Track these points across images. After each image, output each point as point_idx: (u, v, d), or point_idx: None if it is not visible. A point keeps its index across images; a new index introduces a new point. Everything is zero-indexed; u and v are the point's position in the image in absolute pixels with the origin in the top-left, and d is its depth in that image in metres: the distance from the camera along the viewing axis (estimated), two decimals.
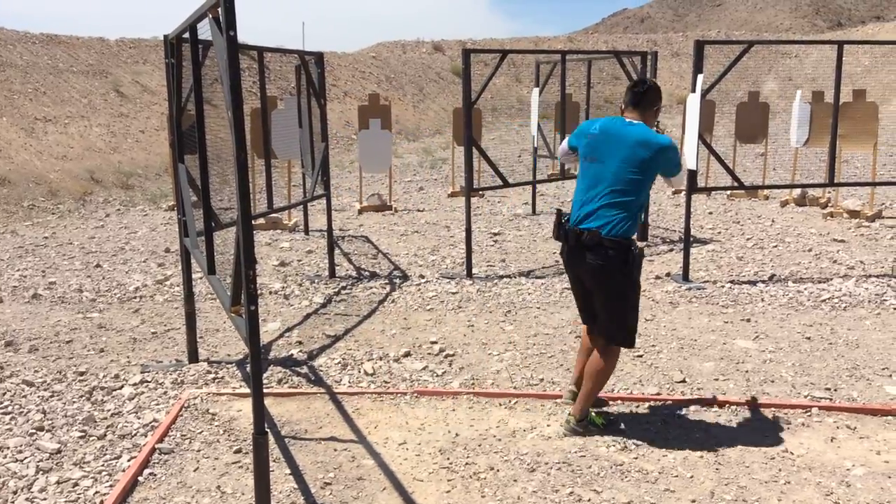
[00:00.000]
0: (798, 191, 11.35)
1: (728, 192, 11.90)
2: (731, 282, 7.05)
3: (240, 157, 2.71)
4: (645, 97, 3.99)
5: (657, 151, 3.79)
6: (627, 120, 3.97)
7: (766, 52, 42.10)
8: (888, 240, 8.77)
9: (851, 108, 10.18)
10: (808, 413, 4.22)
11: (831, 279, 7.03)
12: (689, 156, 6.95)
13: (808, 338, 5.48)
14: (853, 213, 10.11)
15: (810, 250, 8.27)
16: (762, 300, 6.43)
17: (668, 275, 7.35)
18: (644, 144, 3.79)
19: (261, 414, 2.84)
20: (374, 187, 13.38)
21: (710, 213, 10.76)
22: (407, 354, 5.25)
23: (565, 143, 4.29)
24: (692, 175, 7.01)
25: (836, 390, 4.57)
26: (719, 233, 9.38)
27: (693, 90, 6.91)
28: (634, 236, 3.90)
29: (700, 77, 6.84)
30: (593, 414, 4.02)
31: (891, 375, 4.79)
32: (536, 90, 11.10)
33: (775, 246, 8.51)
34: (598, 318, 3.98)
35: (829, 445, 3.86)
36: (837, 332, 5.62)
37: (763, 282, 7.02)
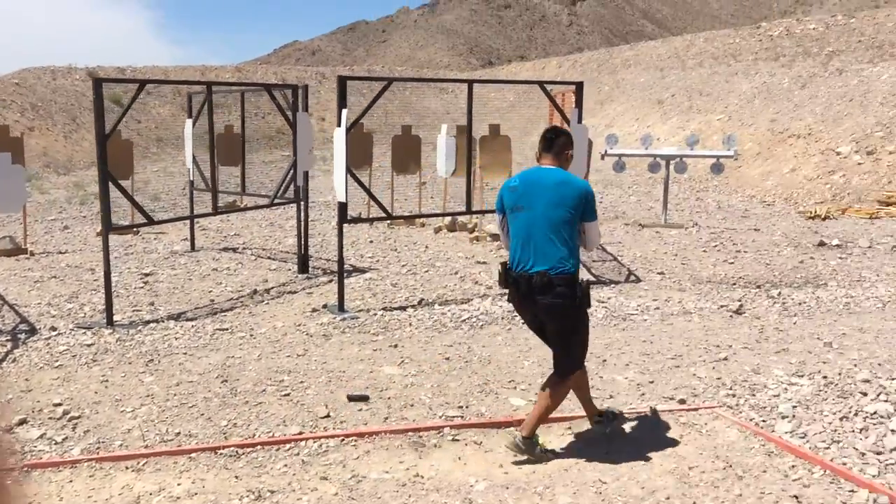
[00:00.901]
0: (449, 217, 12.16)
1: (388, 221, 12.39)
2: (384, 309, 7.27)
3: None
4: (556, 143, 4.25)
5: (580, 190, 4.08)
6: (545, 167, 4.22)
7: (426, 87, 45.11)
8: None
9: (489, 140, 11.16)
10: (441, 433, 4.41)
11: (472, 299, 7.56)
12: (339, 188, 7.06)
13: (448, 358, 5.79)
14: (495, 236, 11.05)
15: (456, 273, 8.85)
16: (410, 325, 6.70)
17: (324, 306, 7.38)
18: (566, 184, 4.08)
19: None
20: (9, 228, 11.88)
21: (371, 241, 11.10)
22: (22, 422, 4.61)
23: (497, 215, 4.38)
24: (342, 207, 7.13)
25: (467, 407, 4.85)
26: (378, 261, 9.69)
27: (339, 124, 7.04)
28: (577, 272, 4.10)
29: (344, 111, 6.99)
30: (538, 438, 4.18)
31: (515, 388, 5.21)
32: (189, 122, 10.64)
33: (426, 271, 8.98)
34: (553, 352, 4.21)
35: (456, 464, 4.06)
36: (473, 349, 6.01)
37: (413, 307, 7.34)
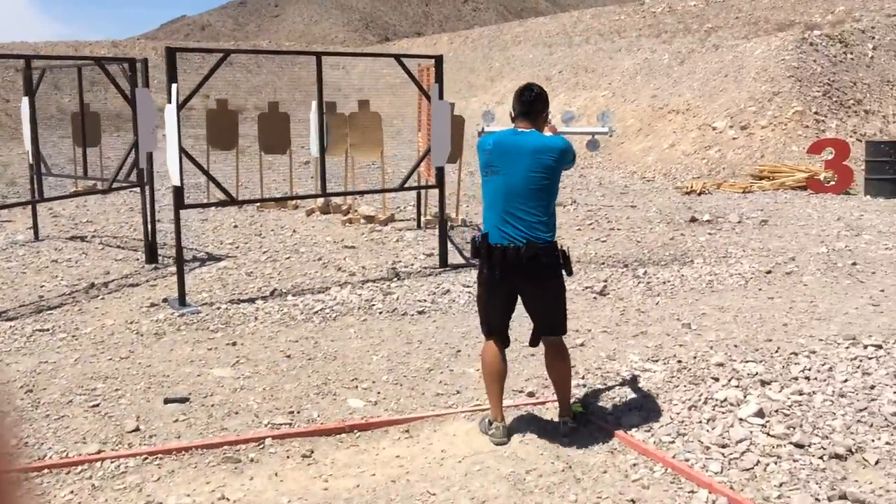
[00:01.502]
0: (322, 199, 11.63)
1: (258, 203, 11.73)
2: (232, 301, 6.73)
3: None
4: (534, 106, 4.03)
5: (560, 153, 3.93)
6: (520, 130, 4.01)
7: (314, 62, 43.94)
8: (394, 242, 9.29)
9: (358, 118, 10.66)
10: (262, 445, 3.97)
11: (330, 288, 7.11)
12: (172, 170, 6.46)
13: (289, 356, 5.33)
14: (369, 218, 10.61)
15: (320, 259, 8.36)
16: (255, 319, 6.20)
17: (165, 300, 6.78)
18: (545, 150, 3.90)
19: None
20: None
21: (236, 226, 10.46)
22: None
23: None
24: (178, 191, 6.53)
25: (299, 412, 4.41)
26: (238, 247, 9.09)
27: (169, 101, 6.42)
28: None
29: (174, 86, 6.38)
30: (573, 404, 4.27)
31: (357, 387, 4.81)
32: (25, 100, 9.69)
33: (288, 257, 8.46)
34: (541, 319, 4.11)
35: (272, 482, 3.62)
36: (320, 344, 5.58)
37: (263, 298, 6.83)
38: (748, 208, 11.47)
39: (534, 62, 29.82)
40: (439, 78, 7.63)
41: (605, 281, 7.37)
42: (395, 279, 7.44)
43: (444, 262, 7.98)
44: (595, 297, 6.86)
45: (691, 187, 13.70)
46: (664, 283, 7.29)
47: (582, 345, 5.55)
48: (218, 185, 7.03)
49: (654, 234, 9.64)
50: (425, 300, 6.67)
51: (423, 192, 10.22)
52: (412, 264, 8.10)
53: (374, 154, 10.76)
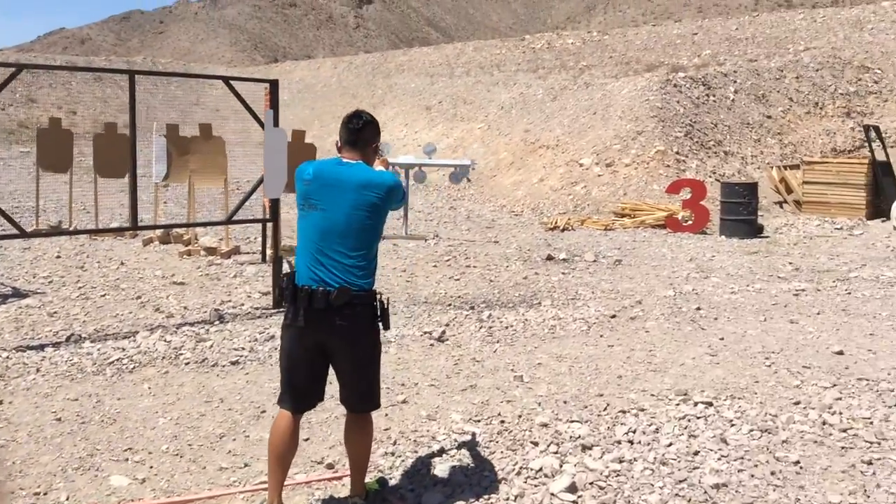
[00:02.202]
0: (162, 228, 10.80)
1: (91, 233, 10.76)
2: (18, 348, 5.91)
3: None
4: (361, 134, 3.54)
5: (387, 191, 3.45)
6: (345, 160, 3.51)
7: (192, 82, 42.50)
8: (230, 278, 8.62)
9: (199, 143, 9.95)
10: None
11: (138, 332, 6.38)
12: None
13: (60, 419, 4.60)
14: (210, 250, 9.88)
15: (139, 297, 7.60)
16: (38, 370, 5.41)
17: None
18: (371, 186, 3.42)
19: None
20: None
21: (59, 256, 9.52)
22: None
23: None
24: None
25: (46, 494, 3.72)
26: (52, 282, 8.19)
27: None
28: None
29: None
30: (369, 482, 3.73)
31: (128, 459, 4.15)
32: None
33: (104, 295, 7.66)
34: (346, 389, 3.53)
35: None
36: (103, 403, 4.87)
37: (56, 344, 6.03)
38: (606, 246, 11.42)
39: (416, 91, 29.68)
40: (274, 104, 7.08)
41: (448, 325, 6.96)
42: (218, 322, 6.78)
43: (278, 302, 7.38)
44: (432, 344, 6.42)
45: (555, 223, 13.62)
46: (507, 327, 6.94)
47: (404, 402, 5.08)
48: (4, 215, 6.20)
49: (508, 273, 9.35)
50: (243, 348, 6.05)
51: (268, 224, 9.59)
52: (242, 305, 7.46)
53: (218, 182, 10.06)
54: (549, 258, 10.27)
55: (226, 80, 7.04)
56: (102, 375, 5.40)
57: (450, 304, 7.78)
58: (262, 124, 6.99)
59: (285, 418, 3.51)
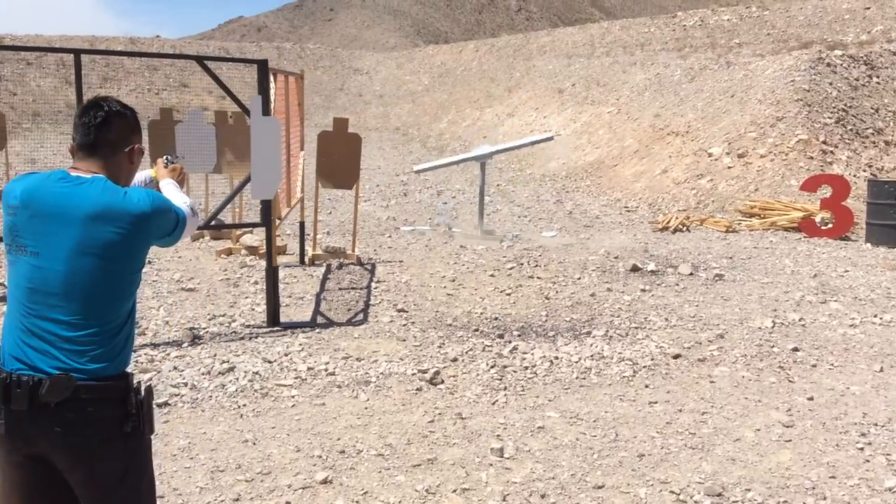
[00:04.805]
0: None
1: None
2: None
3: None
4: (102, 134, 2.33)
5: (135, 221, 2.24)
6: (74, 174, 2.29)
7: (339, 67, 42.92)
8: (250, 284, 7.70)
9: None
10: None
11: None
12: None
13: None
14: (252, 250, 9.03)
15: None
16: None
17: None
18: (106, 216, 2.22)
19: None
20: None
21: None
22: None
23: None
24: None
25: None
26: None
27: None
28: (129, 369, 2.30)
29: None
30: None
31: None
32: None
33: None
34: None
35: None
36: None
37: None
38: (716, 254, 9.58)
39: (551, 73, 28.08)
40: (263, 89, 6.00)
41: (455, 360, 5.65)
42: (189, 343, 5.84)
43: (274, 319, 6.35)
44: (419, 389, 5.15)
45: (666, 223, 11.82)
46: (526, 368, 5.53)
47: (324, 481, 3.87)
48: None
49: (574, 288, 7.85)
50: (185, 383, 5.05)
51: (307, 222, 8.64)
52: (234, 321, 6.48)
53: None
54: (634, 269, 8.63)
55: (199, 59, 6.04)
56: None
57: (477, 329, 6.45)
58: (246, 112, 5.94)
59: None
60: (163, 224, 2.37)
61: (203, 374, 5.20)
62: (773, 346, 6.05)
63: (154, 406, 2.40)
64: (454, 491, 3.79)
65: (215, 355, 5.58)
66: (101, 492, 2.22)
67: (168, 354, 5.56)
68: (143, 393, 2.28)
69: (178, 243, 2.56)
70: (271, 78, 6.41)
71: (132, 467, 2.27)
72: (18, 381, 2.15)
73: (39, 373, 2.17)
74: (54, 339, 2.20)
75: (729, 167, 13.71)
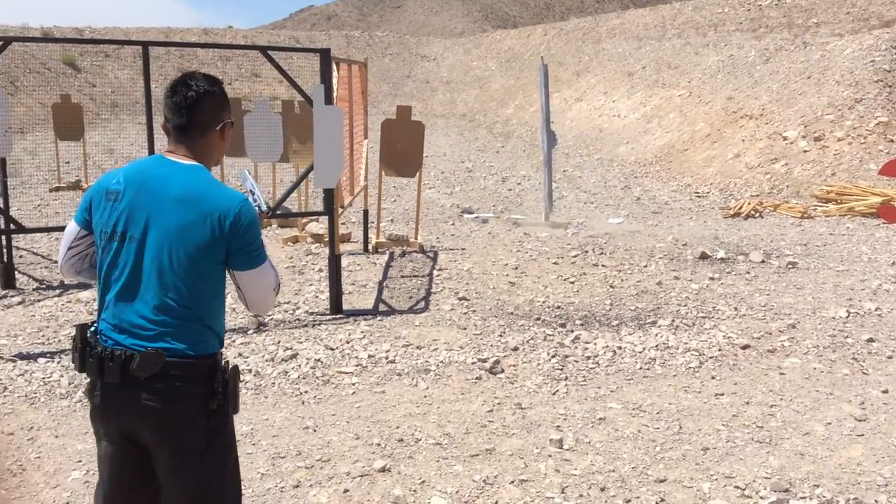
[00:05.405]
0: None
1: None
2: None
3: None
4: (193, 115, 2.32)
5: (220, 212, 2.25)
6: (169, 158, 2.33)
7: (406, 54, 43.04)
8: (314, 272, 7.80)
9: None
10: None
11: None
12: None
13: None
14: (317, 237, 9.15)
15: None
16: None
17: None
18: (190, 202, 2.24)
19: None
20: None
21: None
22: None
23: (71, 226, 2.40)
24: None
25: None
26: None
27: None
28: (221, 351, 2.34)
29: None
30: None
31: None
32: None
33: None
34: None
35: None
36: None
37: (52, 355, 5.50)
38: (790, 241, 9.26)
39: (621, 56, 27.59)
40: (326, 77, 6.04)
41: (516, 349, 5.62)
42: (255, 331, 5.95)
43: (337, 307, 6.43)
44: (478, 378, 5.14)
45: (738, 209, 11.49)
46: (588, 357, 5.46)
47: (383, 470, 3.89)
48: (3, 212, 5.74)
49: (641, 276, 7.71)
50: (249, 370, 5.15)
51: (371, 209, 8.70)
52: (297, 308, 6.58)
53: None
54: (703, 256, 8.42)
55: (263, 49, 6.11)
56: (69, 399, 4.73)
57: (539, 318, 6.39)
58: (309, 101, 5.99)
59: None
60: (248, 238, 2.32)
61: (267, 360, 5.30)
62: (846, 337, 5.82)
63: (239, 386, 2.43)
64: (512, 482, 3.77)
65: (279, 342, 5.68)
66: (185, 468, 2.27)
67: (234, 341, 5.68)
68: (229, 374, 2.31)
69: (255, 294, 2.38)
70: (334, 67, 6.45)
71: (216, 445, 2.31)
72: (112, 355, 2.22)
73: (130, 347, 2.23)
74: (150, 318, 2.24)
75: (805, 151, 13.24)
